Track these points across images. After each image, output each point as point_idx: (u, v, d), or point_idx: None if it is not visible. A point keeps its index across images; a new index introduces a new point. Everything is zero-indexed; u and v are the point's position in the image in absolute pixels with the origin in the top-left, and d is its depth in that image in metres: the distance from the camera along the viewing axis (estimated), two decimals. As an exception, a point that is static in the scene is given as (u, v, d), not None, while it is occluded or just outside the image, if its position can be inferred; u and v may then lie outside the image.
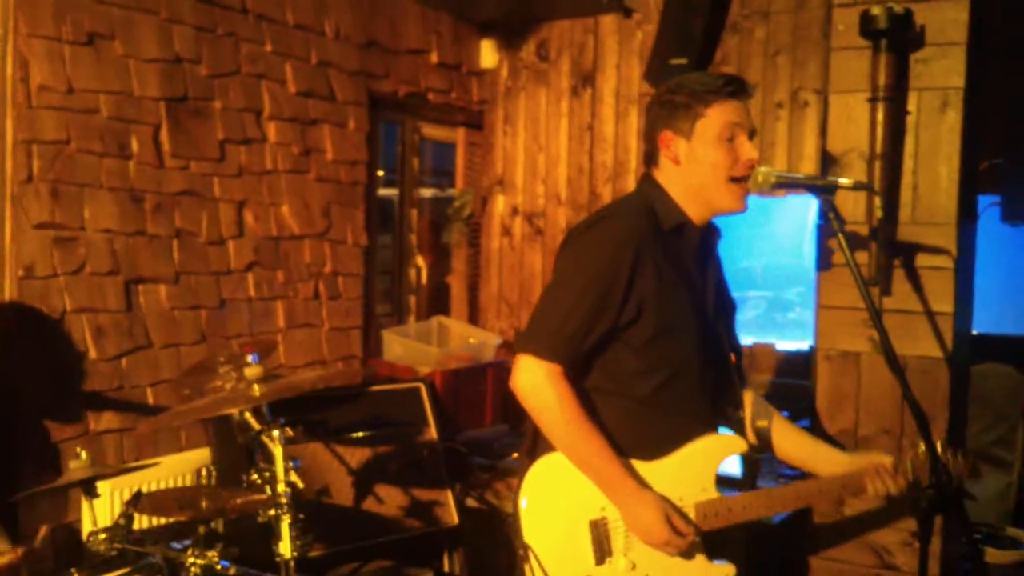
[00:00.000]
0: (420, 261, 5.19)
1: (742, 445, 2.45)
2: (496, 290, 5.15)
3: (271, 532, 2.62)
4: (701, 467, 2.40)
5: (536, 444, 2.40)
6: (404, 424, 3.90)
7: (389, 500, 3.73)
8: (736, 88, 2.35)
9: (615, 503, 2.32)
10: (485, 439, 4.18)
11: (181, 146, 3.71)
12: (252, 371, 2.63)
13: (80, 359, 3.40)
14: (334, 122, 4.37)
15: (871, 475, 2.44)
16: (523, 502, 2.33)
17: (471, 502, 3.91)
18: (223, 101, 3.88)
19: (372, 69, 4.53)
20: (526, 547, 2.28)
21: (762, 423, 2.62)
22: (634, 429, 2.35)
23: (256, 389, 2.59)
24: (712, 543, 2.40)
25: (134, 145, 3.56)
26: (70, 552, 3.12)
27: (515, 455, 4.02)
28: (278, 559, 2.55)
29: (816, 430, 3.22)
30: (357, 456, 3.70)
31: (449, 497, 3.87)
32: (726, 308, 2.55)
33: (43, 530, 2.60)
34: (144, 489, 2.78)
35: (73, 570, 2.29)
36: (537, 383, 2.27)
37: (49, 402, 3.31)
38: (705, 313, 2.42)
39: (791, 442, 2.62)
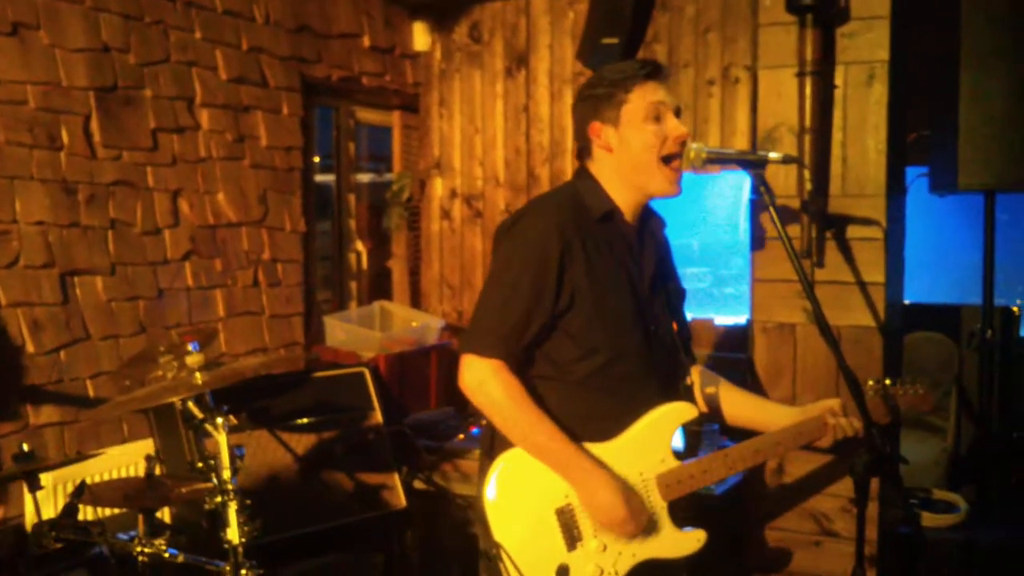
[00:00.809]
0: (360, 246, 5.18)
1: (692, 411, 2.49)
2: (437, 273, 5.17)
3: (219, 519, 2.62)
4: (656, 439, 2.44)
5: (494, 443, 2.42)
6: (349, 409, 3.89)
7: (337, 485, 3.73)
8: (652, 69, 2.41)
9: (573, 485, 2.36)
10: (431, 421, 4.20)
11: (112, 136, 3.66)
12: (193, 359, 2.62)
13: (17, 353, 3.35)
14: (267, 108, 4.34)
15: (828, 416, 2.54)
16: (488, 501, 2.35)
17: (419, 484, 3.93)
18: (154, 89, 3.84)
19: (304, 54, 4.50)
20: (497, 545, 2.30)
21: (710, 390, 2.68)
22: (583, 413, 2.39)
23: (198, 377, 2.59)
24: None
25: (64, 136, 3.50)
26: (12, 546, 3.08)
27: (461, 436, 4.05)
28: (226, 545, 2.55)
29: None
30: (303, 442, 3.69)
31: (396, 480, 3.88)
32: (668, 290, 2.59)
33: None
34: (88, 481, 2.76)
35: (18, 565, 2.27)
36: (482, 380, 2.32)
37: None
38: (641, 296, 2.46)
39: (741, 404, 2.70)
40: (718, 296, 4.86)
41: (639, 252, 2.49)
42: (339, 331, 4.50)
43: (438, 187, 5.16)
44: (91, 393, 3.58)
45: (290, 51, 4.42)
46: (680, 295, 2.65)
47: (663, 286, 2.57)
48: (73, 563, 2.37)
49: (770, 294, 3.29)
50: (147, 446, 3.61)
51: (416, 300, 5.23)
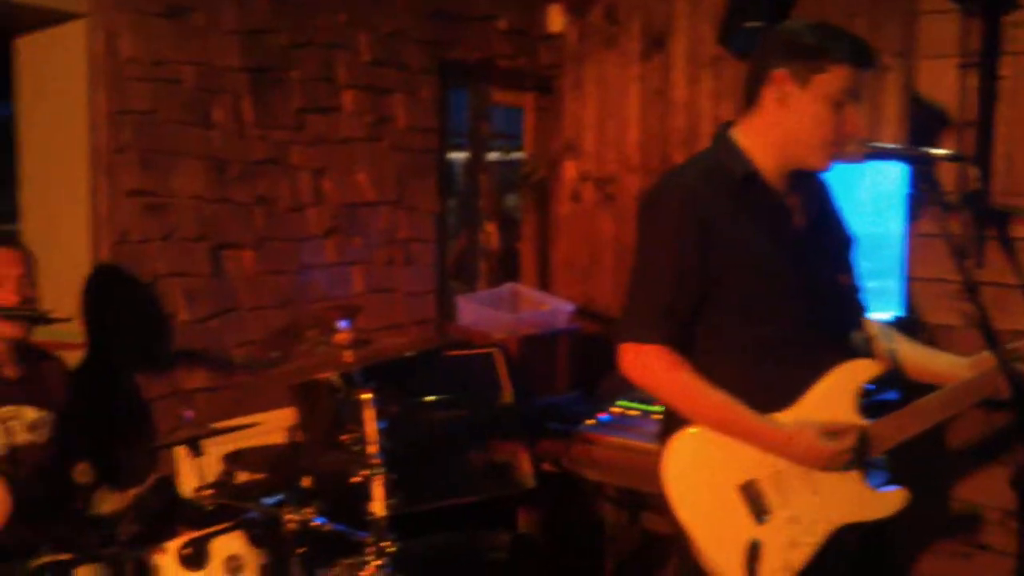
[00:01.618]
0: (490, 227, 5.22)
1: (875, 367, 2.38)
2: (566, 256, 5.18)
3: (349, 490, 2.69)
4: (839, 400, 2.34)
5: (667, 426, 2.39)
6: (480, 389, 3.95)
7: (466, 463, 3.79)
8: (866, 59, 2.29)
9: (771, 451, 2.29)
10: (560, 405, 4.22)
11: (261, 115, 3.78)
12: (342, 336, 2.69)
13: (172, 320, 3.51)
14: (406, 90, 4.41)
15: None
16: (668, 483, 2.31)
17: (547, 467, 3.96)
18: (300, 71, 3.94)
19: (442, 37, 4.55)
20: (682, 527, 2.29)
21: (889, 343, 2.55)
22: (756, 383, 2.31)
23: (347, 354, 2.66)
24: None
25: (217, 115, 3.64)
26: (168, 502, 3.23)
27: (590, 421, 4.06)
28: (370, 518, 2.63)
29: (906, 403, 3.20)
30: (434, 419, 3.77)
31: (525, 461, 3.92)
32: (832, 242, 2.49)
33: (150, 479, 2.71)
34: (238, 447, 2.87)
35: (180, 526, 2.39)
36: (647, 366, 2.28)
37: (144, 361, 3.43)
38: (796, 254, 2.36)
39: (921, 357, 2.56)
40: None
41: (788, 212, 2.39)
42: (470, 311, 4.55)
43: (569, 170, 5.16)
44: (238, 361, 3.72)
45: (429, 34, 4.48)
46: (846, 244, 2.51)
47: (824, 239, 2.46)
48: (228, 525, 2.47)
49: (925, 293, 3.16)
50: (289, 415, 3.74)
51: (544, 282, 5.25)
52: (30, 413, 2.71)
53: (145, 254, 3.42)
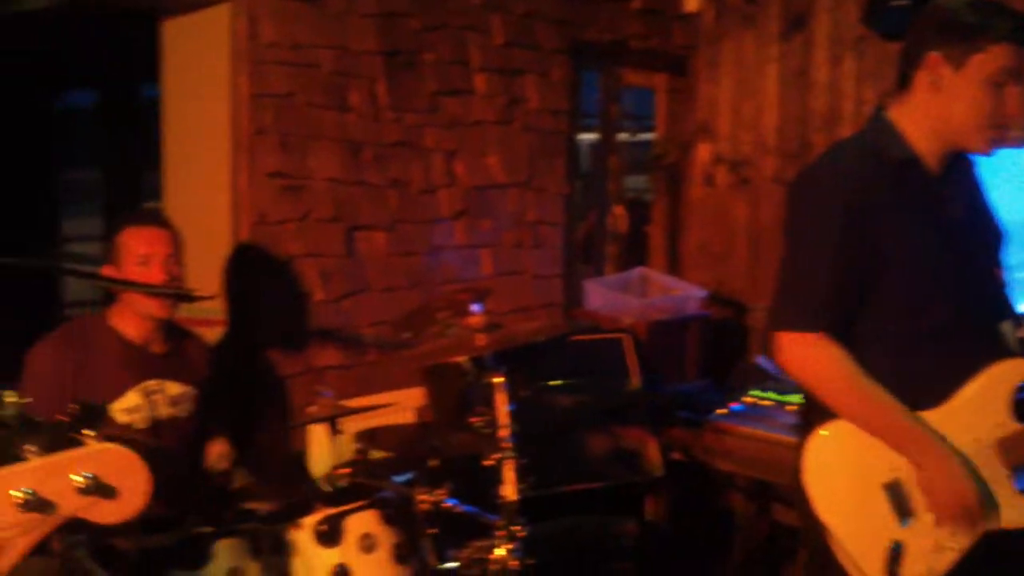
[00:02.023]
0: (619, 209, 5.16)
1: None
2: (697, 241, 5.08)
3: (479, 472, 2.68)
4: (992, 401, 2.23)
5: (808, 419, 2.29)
6: (608, 374, 3.92)
7: (593, 449, 3.77)
8: None
9: (911, 462, 2.19)
10: (690, 393, 4.15)
11: (396, 98, 3.81)
12: (475, 320, 2.69)
13: (307, 299, 3.58)
14: (538, 72, 4.38)
15: None
16: (808, 477, 2.22)
17: (675, 455, 3.90)
18: (433, 53, 3.96)
19: (575, 17, 4.50)
20: (822, 525, 2.22)
21: None
22: (911, 376, 2.20)
23: (480, 338, 2.65)
24: None
25: (352, 98, 3.68)
26: (295, 480, 3.30)
27: (721, 411, 3.98)
28: (500, 501, 2.63)
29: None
30: (563, 403, 3.75)
31: (654, 448, 3.87)
32: (984, 234, 2.36)
33: (285, 455, 2.77)
34: (370, 426, 2.91)
35: (317, 503, 2.43)
36: (805, 356, 2.19)
37: (281, 339, 3.51)
38: (953, 245, 2.25)
39: None
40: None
41: (945, 199, 2.26)
42: (598, 295, 4.52)
43: (702, 152, 5.06)
44: (370, 341, 3.77)
45: (562, 15, 4.44)
46: (998, 238, 2.38)
47: (979, 229, 2.34)
48: (363, 503, 2.50)
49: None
50: (418, 395, 3.78)
51: (673, 267, 5.17)
52: (173, 388, 2.80)
53: (282, 235, 3.49)
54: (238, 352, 3.38)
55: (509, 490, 2.62)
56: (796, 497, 2.27)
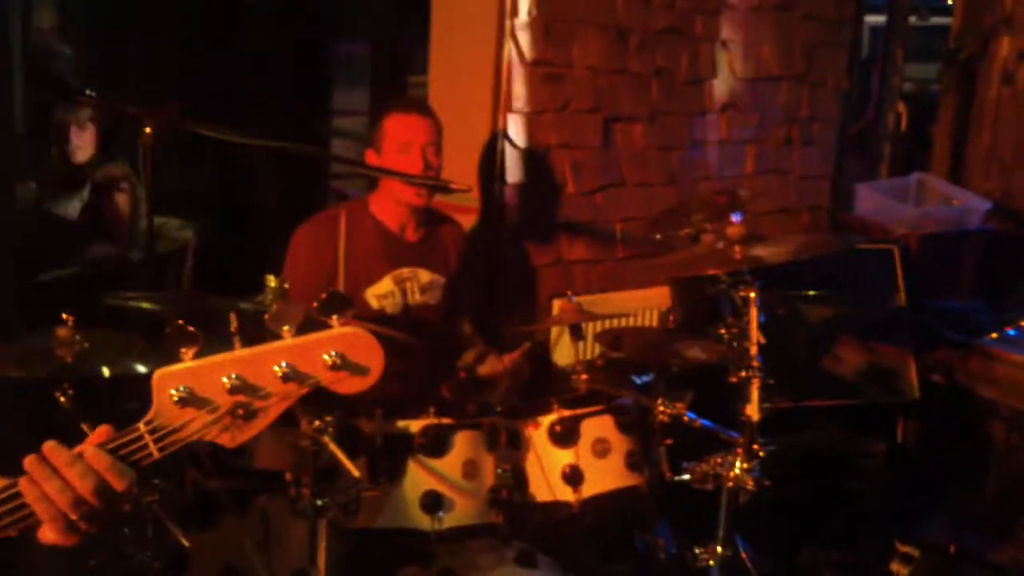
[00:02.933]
0: (900, 107, 4.76)
1: None
2: (987, 145, 4.61)
3: (720, 384, 2.59)
4: None
5: None
6: (871, 286, 3.68)
7: (847, 363, 3.58)
8: None
9: None
10: (960, 312, 3.84)
11: (668, -19, 3.62)
12: (734, 231, 2.55)
13: (559, 191, 3.54)
14: (826, -47, 4.05)
15: None
16: None
17: (935, 378, 3.64)
18: (711, -68, 3.72)
19: None
20: None
21: None
22: None
23: (737, 251, 2.52)
24: None
25: (623, -20, 3.53)
26: (540, 374, 3.33)
27: (994, 335, 3.66)
28: (743, 419, 2.53)
29: None
30: (818, 314, 3.56)
31: (912, 368, 3.63)
32: None
33: (525, 346, 2.78)
34: (609, 325, 2.86)
35: (554, 404, 2.43)
36: None
37: (532, 230, 3.51)
38: None
39: None
40: None
41: None
42: (869, 200, 4.22)
43: (1003, 46, 4.53)
44: (619, 237, 3.71)
45: None
46: None
47: None
48: (599, 408, 2.48)
49: None
50: (663, 296, 3.70)
51: (957, 175, 4.73)
52: (424, 276, 2.84)
53: (539, 124, 3.44)
54: (490, 241, 3.41)
55: (752, 409, 2.51)
56: None
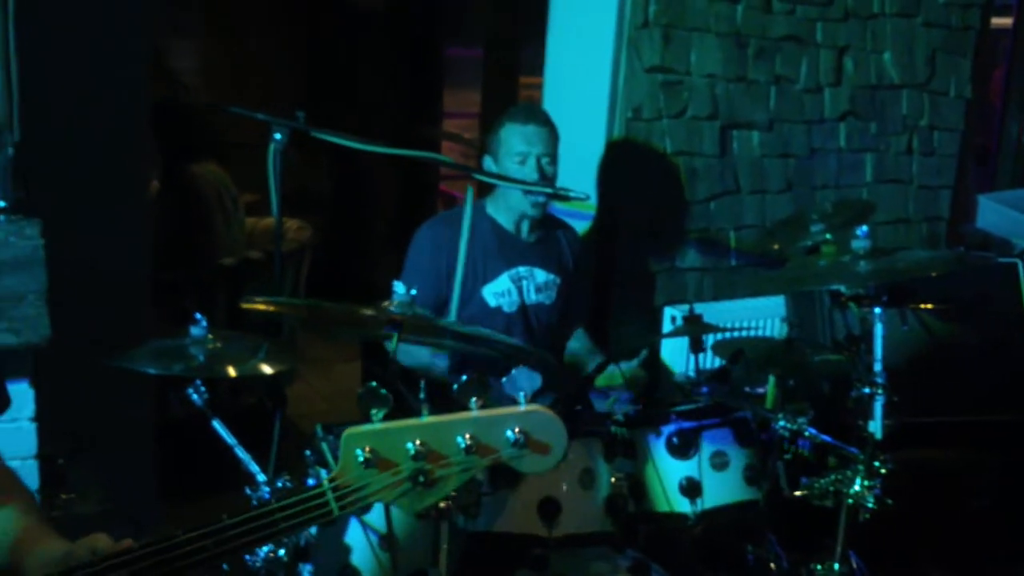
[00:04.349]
0: (1026, 115, 4.61)
1: None
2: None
3: (839, 398, 2.55)
4: None
5: None
6: (993, 301, 3.57)
7: (967, 380, 3.48)
8: None
9: None
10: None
11: (790, -12, 3.58)
12: (859, 244, 2.50)
13: (674, 198, 3.52)
14: (951, -41, 3.94)
15: None
16: None
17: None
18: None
19: None
20: None
21: None
22: None
23: (862, 266, 2.47)
24: None
25: (744, -12, 3.49)
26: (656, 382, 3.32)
27: None
28: (865, 435, 2.49)
29: None
30: (940, 328, 3.47)
31: (1038, 388, 3.51)
32: None
33: (642, 355, 2.78)
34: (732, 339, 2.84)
35: (672, 415, 2.42)
36: None
37: (648, 236, 3.50)
38: None
39: None
40: None
41: None
42: (991, 212, 4.09)
43: None
44: (733, 244, 3.67)
45: None
46: None
47: None
48: (718, 421, 2.47)
49: None
50: (778, 305, 3.65)
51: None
52: (541, 274, 2.88)
53: (655, 131, 3.43)
54: (604, 245, 3.41)
55: (874, 425, 2.46)
56: None
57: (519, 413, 1.27)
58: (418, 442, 1.24)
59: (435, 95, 5.78)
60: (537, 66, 3.71)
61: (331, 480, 1.25)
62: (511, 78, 5.15)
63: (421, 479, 1.24)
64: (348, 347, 4.26)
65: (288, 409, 2.49)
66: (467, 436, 1.25)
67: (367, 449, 1.23)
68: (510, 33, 5.17)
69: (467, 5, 5.66)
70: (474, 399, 1.26)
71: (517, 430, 1.26)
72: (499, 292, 2.83)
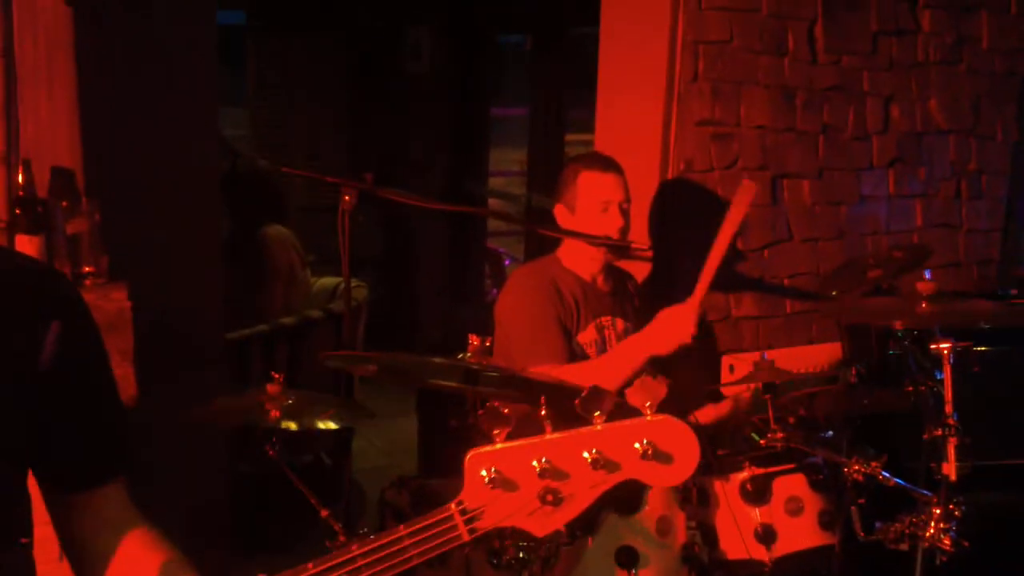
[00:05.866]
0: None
1: None
2: None
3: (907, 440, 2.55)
4: None
5: None
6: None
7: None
8: None
9: None
10: None
11: (834, 40, 3.64)
12: (924, 286, 2.53)
13: (730, 248, 3.54)
14: (993, 6, 3.99)
15: None
16: None
17: None
18: (877, -10, 3.73)
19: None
20: None
21: None
22: None
23: (924, 306, 2.50)
24: None
25: (790, 41, 3.56)
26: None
27: None
28: (939, 478, 2.49)
29: None
30: (1005, 370, 3.46)
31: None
32: None
33: (726, 404, 2.83)
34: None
35: (745, 462, 2.45)
36: None
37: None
38: None
39: None
40: None
41: None
42: (1043, 254, 4.10)
43: None
44: (787, 293, 3.70)
45: (1024, -60, 4.00)
46: None
47: None
48: (792, 467, 2.49)
49: None
50: (834, 351, 3.66)
51: None
52: (620, 323, 2.91)
53: (707, 183, 3.48)
54: (663, 296, 3.44)
55: (948, 468, 2.47)
56: None
57: (645, 423, 1.21)
58: (543, 460, 1.19)
59: (481, 154, 5.89)
60: (579, 124, 3.78)
61: (458, 503, 1.22)
62: (557, 135, 5.25)
63: (549, 499, 1.19)
64: (404, 401, 4.30)
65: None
66: (592, 451, 1.19)
67: (491, 469, 1.19)
68: (554, 93, 5.28)
69: (514, 69, 5.79)
70: (596, 412, 1.20)
71: (645, 441, 1.19)
72: (588, 342, 2.85)
